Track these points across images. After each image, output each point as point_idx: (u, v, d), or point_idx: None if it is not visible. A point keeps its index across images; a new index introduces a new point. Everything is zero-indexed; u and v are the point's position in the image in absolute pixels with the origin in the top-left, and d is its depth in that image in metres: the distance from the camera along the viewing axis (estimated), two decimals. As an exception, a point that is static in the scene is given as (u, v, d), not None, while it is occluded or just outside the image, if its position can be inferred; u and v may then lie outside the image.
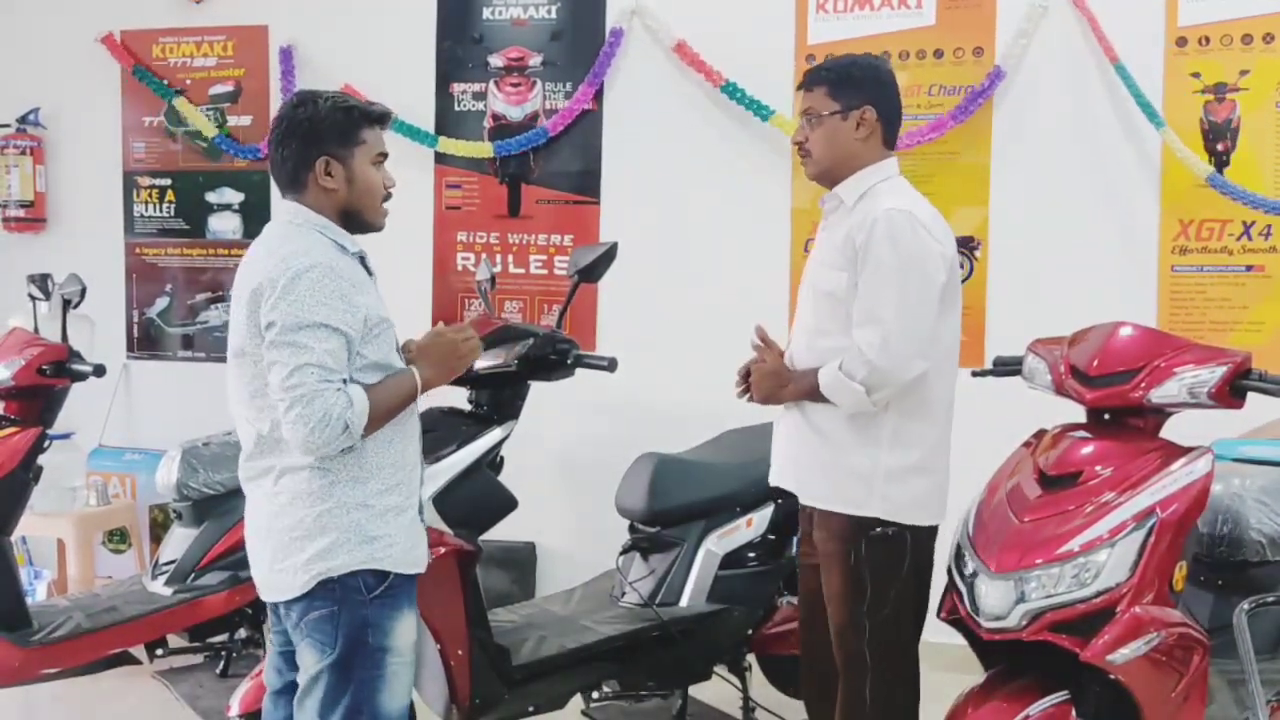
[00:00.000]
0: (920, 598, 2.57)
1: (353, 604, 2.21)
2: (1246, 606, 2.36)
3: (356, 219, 2.32)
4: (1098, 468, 2.27)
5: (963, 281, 4.07)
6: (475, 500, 2.93)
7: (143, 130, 4.97)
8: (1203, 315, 4.00)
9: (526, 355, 3.00)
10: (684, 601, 3.31)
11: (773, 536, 3.38)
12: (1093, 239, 4.05)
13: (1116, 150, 4.06)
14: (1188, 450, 2.30)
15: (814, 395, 2.51)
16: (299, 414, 2.09)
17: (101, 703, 3.86)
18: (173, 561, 3.79)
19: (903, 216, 2.43)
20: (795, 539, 3.03)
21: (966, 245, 4.13)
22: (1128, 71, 3.94)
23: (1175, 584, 2.24)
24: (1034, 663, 2.26)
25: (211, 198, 4.93)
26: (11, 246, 5.00)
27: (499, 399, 3.06)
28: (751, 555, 3.38)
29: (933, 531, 2.55)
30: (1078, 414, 2.47)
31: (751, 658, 3.56)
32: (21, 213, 4.98)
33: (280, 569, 2.23)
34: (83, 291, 3.80)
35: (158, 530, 4.75)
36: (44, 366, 3.60)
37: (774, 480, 2.74)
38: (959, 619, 2.30)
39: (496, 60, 4.59)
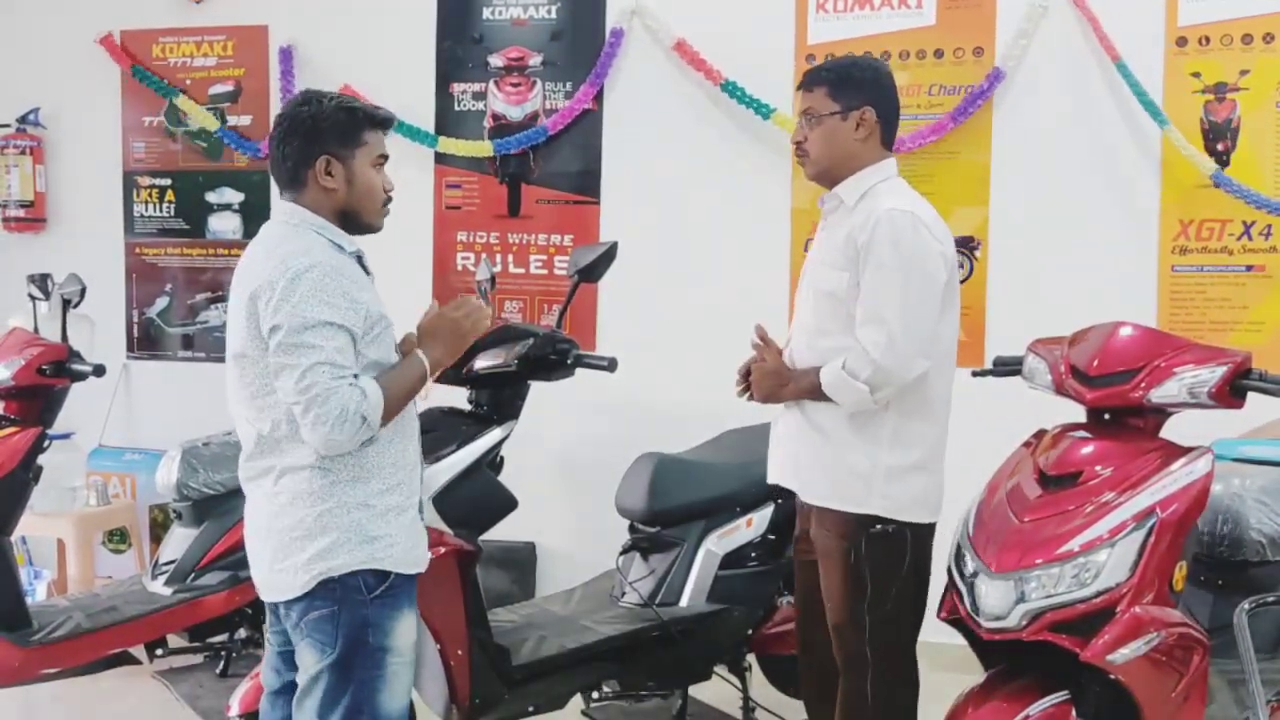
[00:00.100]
0: (920, 595, 2.58)
1: (353, 604, 2.21)
2: (1247, 606, 2.36)
3: (355, 220, 2.32)
4: (1098, 468, 2.27)
5: (963, 281, 4.10)
6: (475, 500, 2.93)
7: (143, 130, 4.97)
8: (1203, 315, 4.00)
9: (526, 355, 3.00)
10: (684, 601, 3.31)
11: (773, 536, 3.38)
12: (1093, 239, 4.05)
13: (1117, 150, 4.06)
14: (1188, 450, 2.30)
15: (815, 394, 2.52)
16: (317, 414, 2.10)
17: (101, 703, 3.86)
18: (173, 561, 3.79)
19: (904, 217, 2.44)
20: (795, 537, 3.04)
21: (966, 245, 4.13)
22: (1130, 70, 3.95)
23: (1175, 584, 2.24)
24: (1034, 663, 2.26)
25: (211, 198, 4.93)
26: (11, 246, 5.00)
27: (499, 399, 3.06)
28: (751, 555, 3.38)
29: (931, 529, 2.57)
30: (1078, 414, 2.47)
31: (751, 658, 3.56)
32: (21, 213, 4.98)
33: (280, 569, 2.23)
34: (83, 291, 3.80)
35: (158, 530, 4.75)
36: (44, 366, 3.60)
37: (773, 478, 2.75)
38: (959, 619, 2.30)
39: (496, 60, 4.59)
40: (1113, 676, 2.13)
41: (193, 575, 3.74)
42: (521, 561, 4.50)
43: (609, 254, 3.17)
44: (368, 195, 2.31)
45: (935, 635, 2.60)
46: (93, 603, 3.72)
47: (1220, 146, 3.97)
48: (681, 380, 4.26)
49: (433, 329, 2.35)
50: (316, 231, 2.26)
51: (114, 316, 4.97)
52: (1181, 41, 3.99)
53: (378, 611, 2.23)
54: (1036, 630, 2.16)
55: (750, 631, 3.40)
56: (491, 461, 3.02)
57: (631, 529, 3.45)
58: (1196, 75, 3.98)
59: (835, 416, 2.52)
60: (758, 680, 3.58)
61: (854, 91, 2.56)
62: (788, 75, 4.21)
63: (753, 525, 3.37)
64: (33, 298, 3.96)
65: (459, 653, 2.85)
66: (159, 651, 3.79)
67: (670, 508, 3.34)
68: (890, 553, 2.51)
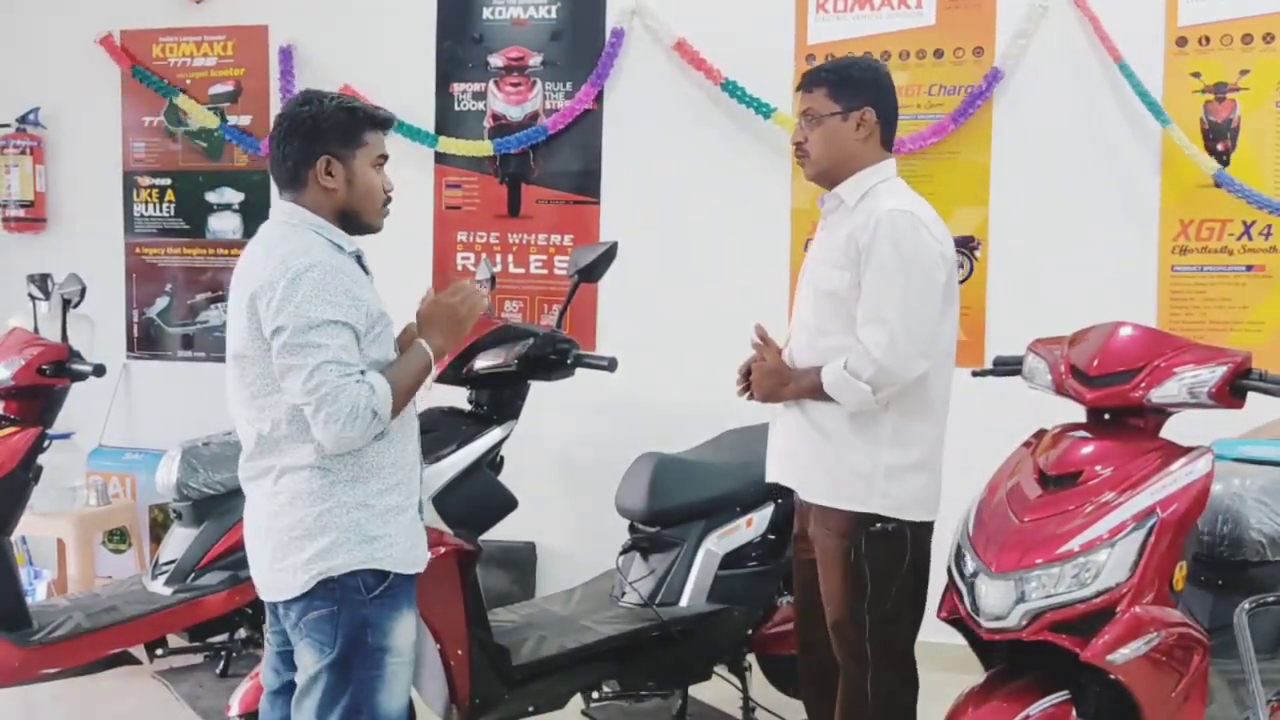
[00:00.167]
0: (919, 594, 2.59)
1: (352, 604, 2.21)
2: (1247, 606, 2.36)
3: (355, 220, 2.32)
4: (1098, 468, 2.27)
5: (963, 281, 4.11)
6: (475, 500, 2.93)
7: (143, 130, 4.97)
8: (1203, 315, 4.00)
9: (526, 355, 3.00)
10: (684, 601, 3.31)
11: (773, 536, 3.38)
12: (1093, 239, 4.05)
13: (1117, 150, 4.06)
14: (1188, 450, 2.30)
15: (815, 393, 2.53)
16: (328, 413, 2.10)
17: (101, 703, 3.86)
18: (173, 561, 3.79)
19: (905, 217, 2.45)
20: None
21: (966, 245, 4.13)
22: (1131, 70, 3.94)
23: (1175, 584, 2.24)
24: (1034, 663, 2.26)
25: (211, 197, 4.93)
26: (11, 246, 5.00)
27: (499, 399, 3.06)
28: (751, 555, 3.38)
29: (930, 527, 2.58)
30: (1078, 414, 2.47)
31: (751, 658, 3.56)
32: (21, 213, 4.98)
33: (280, 568, 2.23)
34: (83, 291, 3.80)
35: (158, 530, 4.75)
36: (44, 366, 3.60)
37: (771, 477, 2.76)
38: (959, 619, 2.30)
39: (496, 60, 4.59)
40: (1113, 676, 2.13)
41: (193, 575, 3.74)
42: (521, 561, 4.50)
43: (609, 254, 3.17)
44: (368, 195, 2.31)
45: (935, 635, 2.60)
46: (93, 603, 3.72)
47: (1220, 146, 3.97)
48: (681, 380, 4.26)
49: (431, 317, 2.36)
50: (316, 231, 2.26)
51: (114, 316, 4.97)
52: (1181, 41, 3.99)
53: (377, 611, 2.23)
54: (1036, 630, 2.16)
55: (750, 631, 3.40)
56: (491, 461, 3.03)
57: (631, 529, 3.45)
58: (1196, 75, 3.98)
59: (835, 416, 2.53)
60: (758, 680, 3.59)
61: (854, 92, 2.56)
62: (788, 75, 4.21)
63: (753, 525, 3.37)
64: (33, 298, 3.96)
65: (459, 653, 2.85)
66: (159, 651, 3.79)
67: (670, 508, 3.34)
68: (890, 551, 2.52)
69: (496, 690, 2.94)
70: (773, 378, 2.62)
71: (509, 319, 4.18)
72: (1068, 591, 2.15)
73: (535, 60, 4.56)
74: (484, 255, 4.63)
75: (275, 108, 4.68)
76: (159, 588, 3.75)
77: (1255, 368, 2.33)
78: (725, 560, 3.34)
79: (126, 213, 5.02)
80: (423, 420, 2.47)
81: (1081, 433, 2.39)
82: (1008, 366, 2.78)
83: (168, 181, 4.97)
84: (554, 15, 4.54)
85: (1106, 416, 2.41)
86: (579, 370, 3.11)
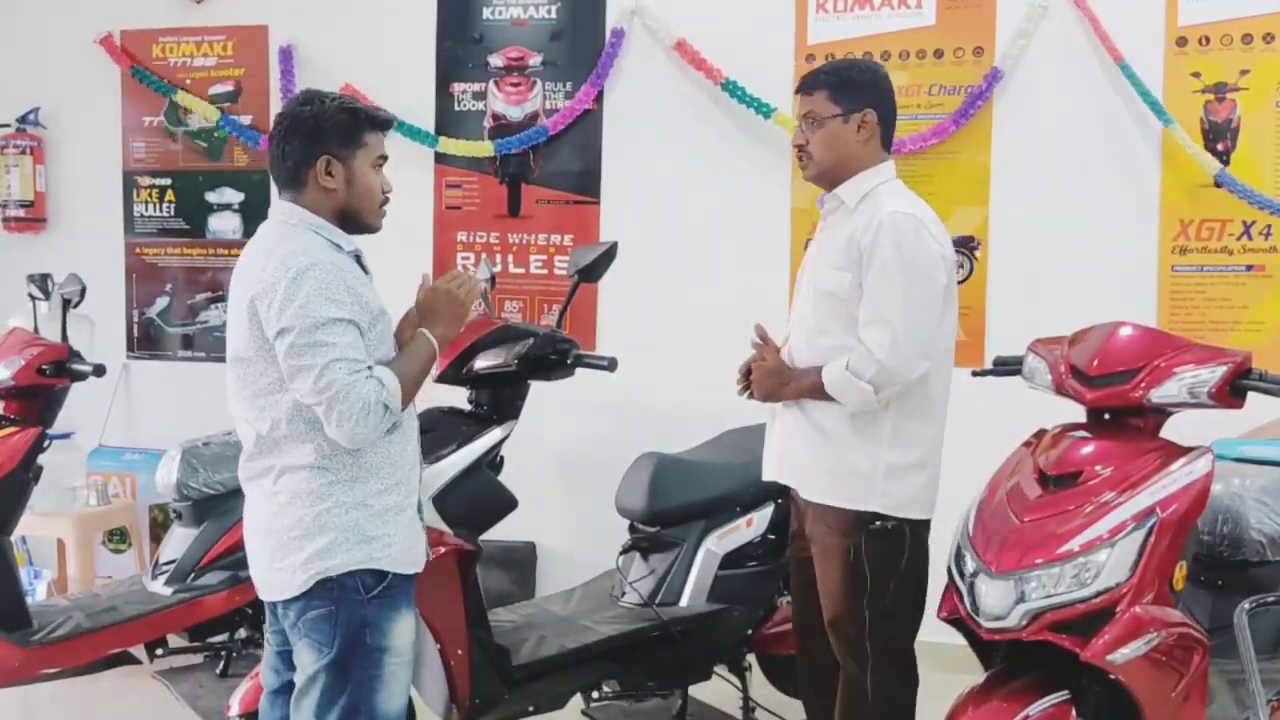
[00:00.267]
0: (918, 592, 2.60)
1: (351, 604, 2.21)
2: (1247, 606, 2.36)
3: (353, 220, 2.32)
4: (1098, 467, 2.27)
5: (963, 281, 4.11)
6: (475, 500, 2.93)
7: (143, 130, 4.97)
8: (1203, 315, 4.00)
9: (526, 355, 3.00)
10: (684, 601, 3.31)
11: (773, 536, 3.38)
12: (1093, 239, 4.05)
13: (1116, 150, 4.06)
14: (1188, 450, 2.30)
15: (816, 393, 2.54)
16: (341, 411, 2.10)
17: (101, 703, 3.86)
18: (173, 561, 3.79)
19: (908, 220, 2.47)
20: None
21: (966, 245, 4.14)
22: (1132, 70, 3.94)
23: (1175, 584, 2.24)
24: (1034, 663, 2.26)
25: (211, 197, 4.93)
26: (11, 246, 5.00)
27: (499, 399, 3.06)
28: (751, 555, 3.38)
29: (927, 525, 2.60)
30: (1078, 414, 2.47)
31: (751, 658, 3.56)
32: (21, 213, 4.98)
33: (279, 568, 2.23)
34: (83, 291, 3.80)
35: (158, 530, 4.75)
36: (44, 366, 3.60)
37: (768, 476, 2.76)
38: (959, 619, 2.30)
39: (496, 60, 4.59)
40: (1113, 676, 2.13)
41: (193, 575, 3.74)
42: (521, 561, 4.50)
43: (609, 254, 3.17)
44: (366, 196, 2.32)
45: (935, 635, 2.60)
46: (93, 603, 3.72)
47: (1220, 146, 3.97)
48: (681, 380, 4.26)
49: (431, 304, 2.37)
50: (315, 231, 2.26)
51: (114, 316, 4.97)
52: (1181, 41, 3.99)
53: (375, 611, 2.23)
54: (1036, 630, 2.16)
55: (750, 631, 3.40)
56: (491, 461, 3.02)
57: (631, 529, 3.45)
58: (1196, 75, 3.98)
59: (835, 416, 2.54)
60: (758, 680, 3.58)
61: (855, 94, 2.57)
62: (788, 75, 4.21)
63: (753, 525, 3.37)
64: (33, 298, 3.95)
65: (459, 653, 2.85)
66: (159, 651, 3.79)
67: (670, 508, 3.34)
68: (890, 549, 2.53)
69: (496, 690, 2.94)
70: (773, 377, 2.63)
71: (509, 319, 4.18)
72: (1068, 591, 2.15)
73: (535, 60, 4.56)
74: (484, 255, 4.63)
75: (275, 108, 4.68)
76: (159, 588, 3.75)
77: (1255, 368, 2.33)
78: (725, 560, 3.34)
79: (126, 213, 5.02)
80: (423, 420, 2.47)
81: (1081, 433, 2.39)
82: (1008, 366, 2.78)
83: (168, 181, 4.97)
84: (554, 15, 4.54)
85: (1106, 416, 2.41)
86: (579, 370, 3.11)
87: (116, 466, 4.81)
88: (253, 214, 4.84)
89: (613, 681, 3.27)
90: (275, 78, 4.75)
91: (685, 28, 4.35)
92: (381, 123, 2.34)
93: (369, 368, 2.17)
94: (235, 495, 3.19)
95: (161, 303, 5.01)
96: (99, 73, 4.94)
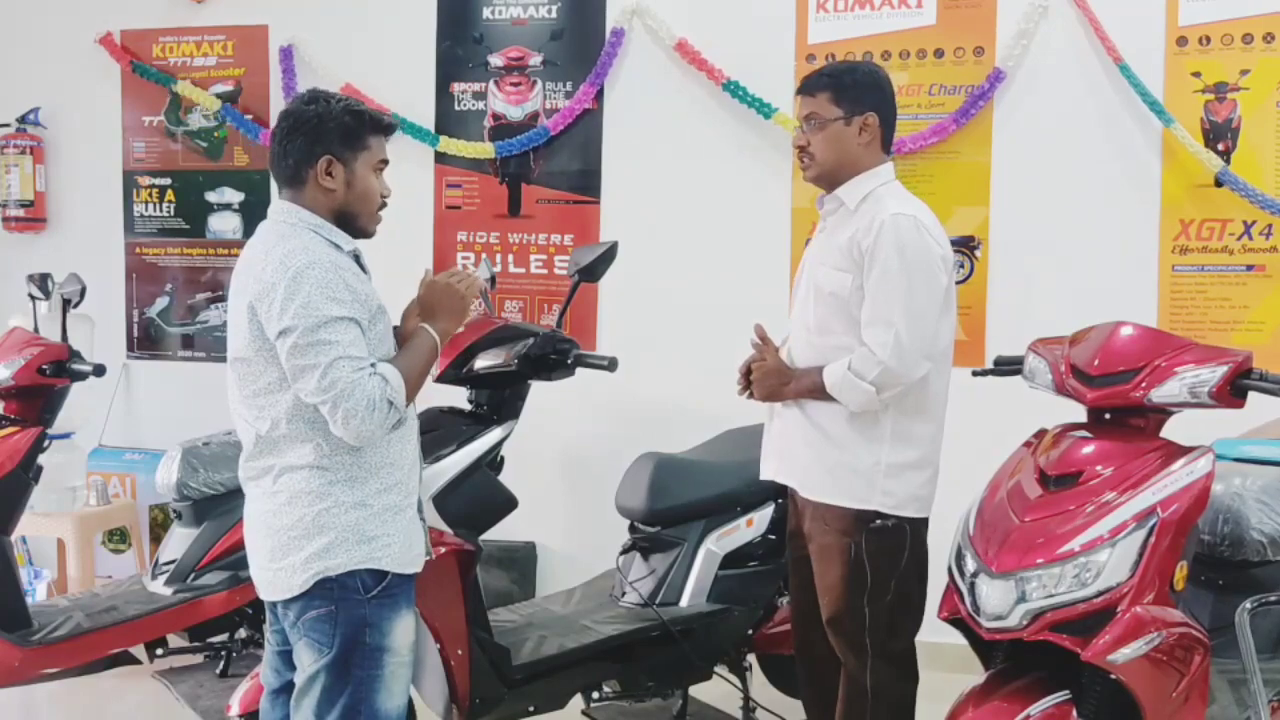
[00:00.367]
0: (918, 590, 2.61)
1: (350, 603, 2.21)
2: (1248, 606, 2.36)
3: (350, 222, 2.32)
4: (1098, 467, 2.27)
5: (963, 281, 4.11)
6: (475, 500, 2.93)
7: (143, 130, 4.97)
8: (1203, 315, 4.00)
9: (526, 355, 3.00)
10: (684, 601, 3.31)
11: (773, 536, 3.38)
12: (1093, 239, 4.05)
13: (1117, 150, 4.05)
14: (1188, 450, 2.30)
15: (816, 393, 2.54)
16: (346, 409, 2.11)
17: (101, 703, 3.86)
18: (173, 561, 3.78)
19: (909, 221, 2.48)
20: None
21: (966, 245, 4.14)
22: (1132, 70, 3.94)
23: (1176, 584, 2.24)
24: (1035, 662, 2.26)
25: (211, 197, 4.93)
26: (11, 246, 5.00)
27: (499, 399, 3.06)
28: (752, 555, 3.38)
29: (926, 523, 2.61)
30: (1078, 414, 2.47)
31: (751, 658, 3.56)
32: (21, 212, 4.98)
33: (279, 568, 2.23)
34: (83, 291, 3.80)
35: (158, 530, 4.75)
36: (44, 366, 3.60)
37: (766, 475, 2.77)
38: (959, 619, 2.30)
39: (496, 60, 4.59)
40: (1114, 676, 2.13)
41: (193, 575, 3.73)
42: (521, 561, 4.50)
43: (609, 254, 3.17)
44: (365, 199, 2.32)
45: (935, 635, 2.60)
46: (93, 603, 3.72)
47: (1221, 146, 3.97)
48: (681, 380, 4.26)
49: (432, 300, 2.39)
50: (313, 230, 2.26)
51: (114, 316, 4.97)
52: (1182, 41, 3.99)
53: (375, 611, 2.23)
54: (1037, 630, 2.16)
55: (750, 631, 3.40)
56: (491, 461, 3.02)
57: (631, 529, 3.45)
58: (1197, 75, 3.98)
59: (835, 415, 2.54)
60: (758, 680, 3.59)
61: (857, 97, 2.58)
62: (788, 75, 4.21)
63: (753, 525, 3.37)
64: (33, 298, 3.95)
65: (459, 652, 2.85)
66: (159, 651, 3.79)
67: (670, 507, 3.33)
68: (890, 547, 2.54)
69: (496, 690, 2.94)
70: (773, 377, 2.63)
71: (509, 319, 4.18)
72: (1068, 591, 2.15)
73: (535, 60, 4.56)
74: (484, 255, 4.63)
75: (275, 107, 4.68)
76: (159, 588, 3.75)
77: (1256, 367, 2.33)
78: (725, 560, 3.34)
79: (126, 212, 5.02)
80: (423, 420, 2.47)
81: (1082, 433, 2.39)
82: (1008, 366, 2.78)
83: (168, 181, 4.97)
84: (554, 15, 4.54)
85: (1107, 416, 2.41)
86: (579, 370, 3.11)
87: (116, 466, 4.81)
88: (253, 214, 4.84)
89: (613, 681, 3.26)
90: (275, 77, 4.75)
91: (686, 28, 4.35)
92: (385, 127, 2.34)
93: (372, 365, 2.17)
94: (235, 495, 3.19)
95: (161, 303, 5.01)
96: (99, 73, 4.94)
